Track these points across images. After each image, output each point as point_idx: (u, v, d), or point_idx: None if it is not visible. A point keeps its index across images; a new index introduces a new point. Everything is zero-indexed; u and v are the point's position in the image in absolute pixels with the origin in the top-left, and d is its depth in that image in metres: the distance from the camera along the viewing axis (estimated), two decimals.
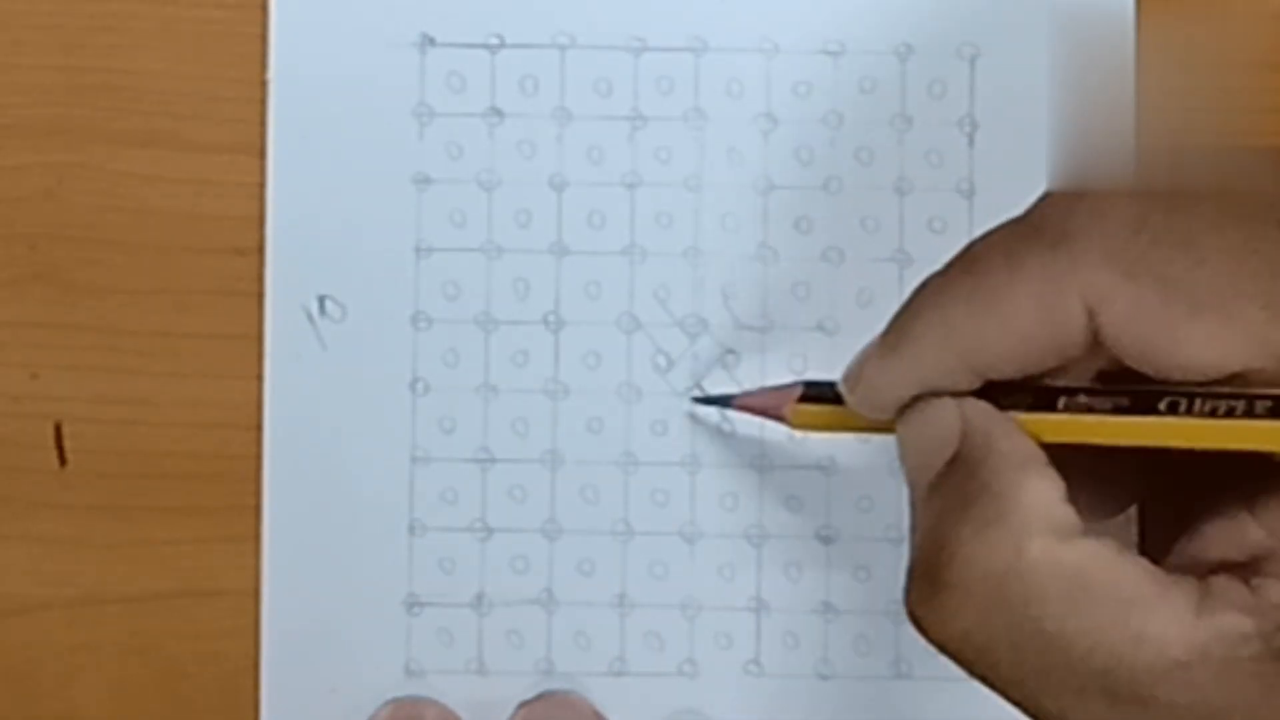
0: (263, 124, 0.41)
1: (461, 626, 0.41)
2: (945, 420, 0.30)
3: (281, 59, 0.41)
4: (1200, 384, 0.28)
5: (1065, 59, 0.40)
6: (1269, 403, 0.28)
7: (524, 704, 0.41)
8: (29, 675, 0.41)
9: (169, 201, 0.41)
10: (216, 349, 0.41)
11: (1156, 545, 0.31)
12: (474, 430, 0.41)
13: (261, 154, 0.41)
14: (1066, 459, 0.30)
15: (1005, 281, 0.29)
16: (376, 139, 0.41)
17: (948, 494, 0.30)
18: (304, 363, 0.41)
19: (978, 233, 0.31)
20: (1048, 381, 0.30)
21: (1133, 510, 0.34)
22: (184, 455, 0.41)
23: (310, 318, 0.41)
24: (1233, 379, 0.28)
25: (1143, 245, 0.28)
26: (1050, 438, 0.30)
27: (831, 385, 0.33)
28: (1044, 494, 0.29)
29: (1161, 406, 0.29)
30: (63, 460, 0.41)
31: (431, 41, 0.41)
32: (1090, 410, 0.30)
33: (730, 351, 0.41)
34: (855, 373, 0.32)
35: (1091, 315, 0.29)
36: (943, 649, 0.30)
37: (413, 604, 0.41)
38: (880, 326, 0.32)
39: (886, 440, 0.32)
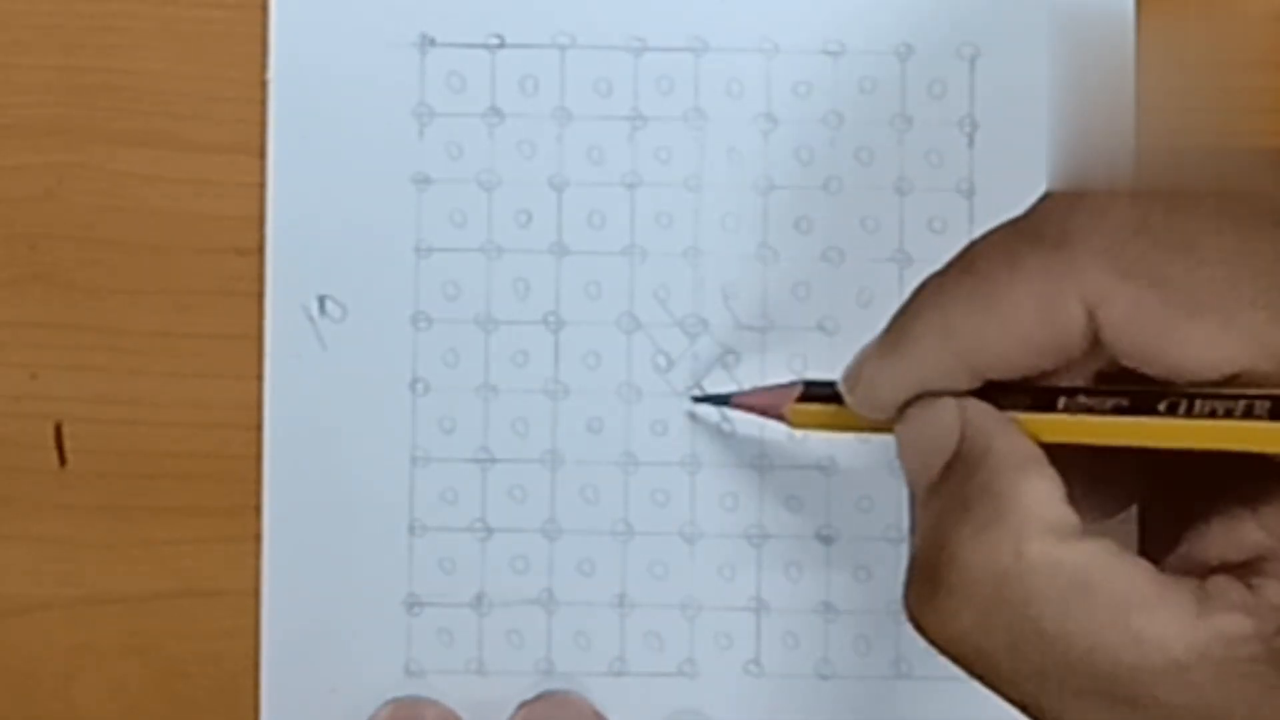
0: (263, 124, 0.41)
1: (461, 626, 0.41)
2: (944, 420, 0.31)
3: (281, 59, 0.41)
4: (1199, 385, 0.28)
5: (1065, 59, 0.40)
6: (1268, 404, 0.28)
7: (524, 704, 0.41)
8: (29, 675, 0.41)
9: (169, 201, 0.41)
10: (216, 349, 0.41)
11: (1157, 545, 0.31)
12: (474, 430, 0.41)
13: (261, 154, 0.41)
14: (1066, 459, 0.30)
15: (1005, 282, 0.29)
16: (376, 139, 0.41)
17: (947, 495, 0.30)
18: (304, 363, 0.41)
19: (978, 233, 0.31)
20: (1047, 382, 0.30)
21: (1133, 510, 0.34)
22: (184, 455, 0.41)
23: (310, 318, 0.41)
24: (1232, 380, 0.28)
25: (1142, 246, 0.28)
26: (1049, 438, 0.30)
27: (831, 385, 0.33)
28: (1043, 495, 0.29)
29: (1160, 407, 0.29)
30: (63, 460, 0.41)
31: (431, 41, 0.41)
32: (1089, 411, 0.30)
33: (730, 351, 0.41)
34: (854, 373, 0.32)
35: (1091, 316, 0.29)
36: (942, 650, 0.30)
37: (413, 604, 0.41)
38: (880, 326, 0.32)
39: (886, 440, 0.32)
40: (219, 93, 0.41)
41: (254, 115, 0.41)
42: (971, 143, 0.41)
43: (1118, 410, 0.29)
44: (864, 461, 0.40)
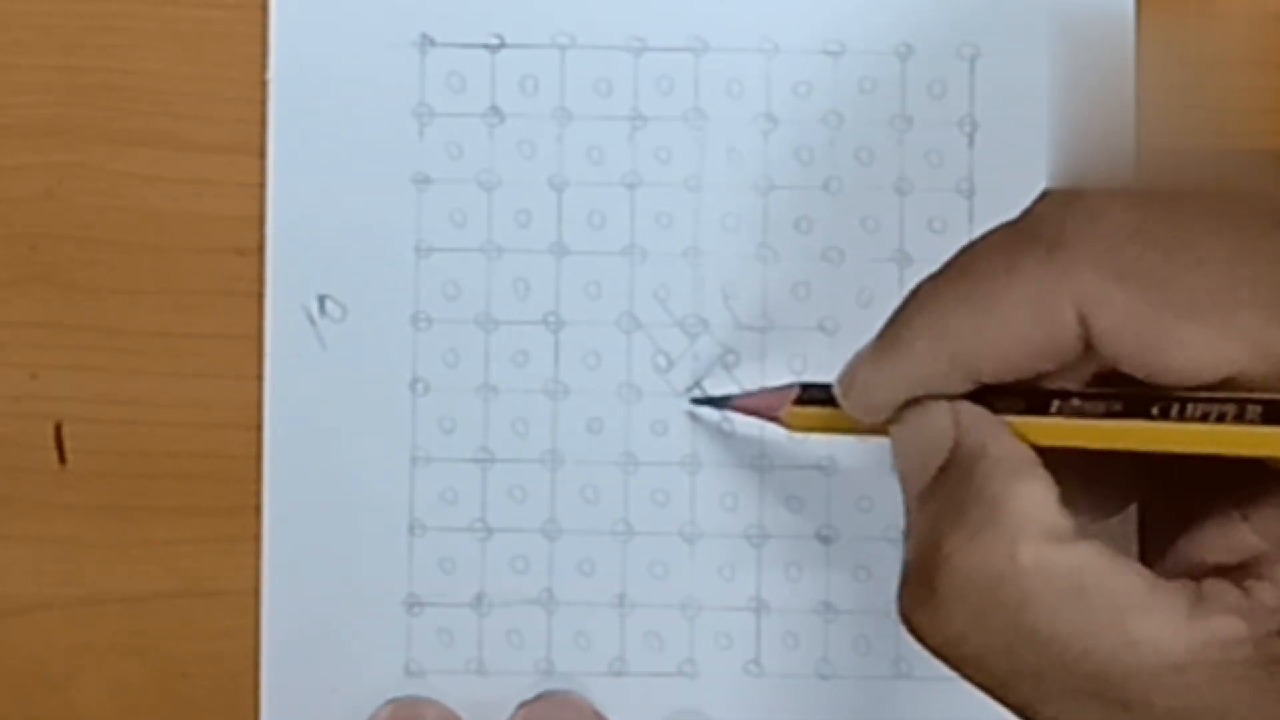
0: (263, 124, 0.41)
1: (461, 626, 0.41)
2: (938, 424, 0.31)
3: (281, 59, 0.41)
4: (1194, 388, 0.29)
5: (1065, 59, 0.41)
6: (1260, 408, 0.28)
7: (524, 704, 0.41)
8: (29, 675, 0.41)
9: (169, 201, 0.41)
10: (216, 349, 0.41)
11: (1156, 546, 0.31)
12: (474, 430, 0.41)
13: (261, 154, 0.41)
14: (1063, 460, 0.30)
15: (999, 286, 0.29)
16: (376, 139, 0.41)
17: (941, 498, 0.30)
18: (304, 363, 0.41)
19: (978, 233, 0.31)
20: (1042, 385, 0.30)
21: (1132, 511, 0.34)
22: (184, 455, 0.41)
23: (310, 318, 0.41)
24: (1226, 383, 0.28)
25: (1136, 250, 0.28)
26: (1043, 441, 0.30)
27: (828, 388, 0.34)
28: (1037, 498, 0.29)
29: (1154, 411, 0.29)
30: (63, 460, 0.41)
31: (431, 41, 0.41)
32: (1083, 414, 0.30)
33: (730, 351, 0.41)
34: (849, 376, 0.33)
35: (1085, 320, 0.29)
36: (937, 653, 0.30)
37: (413, 604, 0.41)
38: (880, 327, 0.32)
39: (887, 441, 0.33)
40: (219, 93, 0.41)
41: (254, 115, 0.41)
42: (971, 143, 0.41)
43: (1111, 414, 0.30)
44: (864, 461, 0.41)
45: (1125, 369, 0.29)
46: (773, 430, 0.39)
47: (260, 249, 0.41)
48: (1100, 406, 0.30)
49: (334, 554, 0.41)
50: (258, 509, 0.41)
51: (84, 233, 0.41)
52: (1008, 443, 0.30)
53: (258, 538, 0.41)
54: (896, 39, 0.41)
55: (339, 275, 0.41)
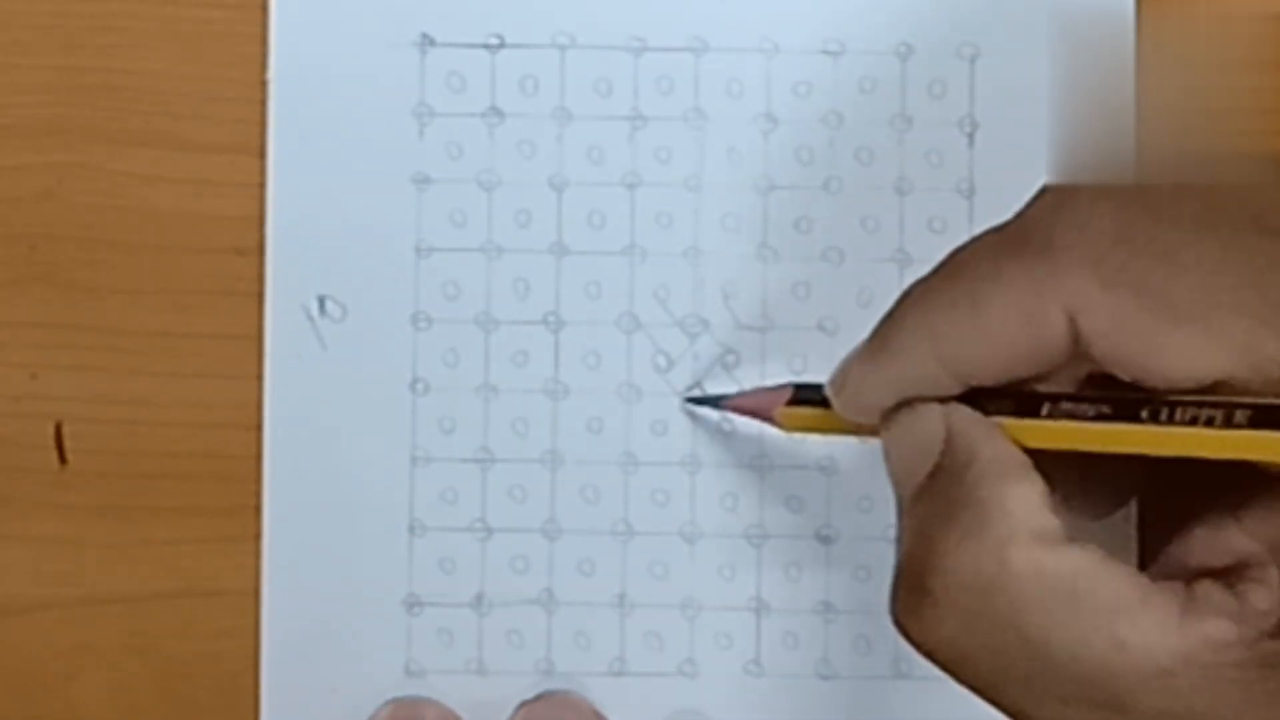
0: (263, 124, 0.41)
1: (461, 626, 0.41)
2: (929, 426, 0.31)
3: (281, 59, 0.41)
4: (1181, 392, 0.29)
5: (1065, 59, 0.41)
6: (1248, 412, 0.28)
7: (524, 704, 0.41)
8: (29, 675, 0.42)
9: (169, 201, 0.42)
10: (216, 349, 0.42)
11: (1154, 546, 0.31)
12: (474, 430, 0.41)
13: (261, 154, 0.41)
14: (1057, 460, 0.31)
15: (988, 290, 0.30)
16: (376, 139, 0.41)
17: (932, 500, 0.30)
18: (304, 363, 0.41)
19: (978, 233, 0.31)
20: (1033, 387, 0.31)
21: (1132, 512, 0.34)
22: (184, 455, 0.42)
23: (310, 318, 0.41)
24: (1214, 387, 0.29)
25: (1124, 255, 0.29)
26: (1034, 443, 0.31)
27: (821, 388, 0.34)
28: (1027, 501, 0.29)
29: (1143, 414, 0.29)
30: (63, 460, 0.42)
31: (431, 41, 0.42)
32: (1073, 417, 0.30)
33: (730, 351, 0.41)
34: (841, 377, 0.33)
35: (1073, 324, 0.29)
36: (929, 656, 0.30)
37: (413, 604, 0.41)
38: (872, 328, 0.32)
39: None
40: (219, 93, 0.42)
41: (254, 115, 0.41)
42: (971, 143, 0.41)
43: (1100, 417, 0.30)
44: (864, 461, 0.41)
45: (1113, 372, 0.29)
46: (773, 430, 0.39)
47: (260, 249, 0.41)
48: (1090, 409, 0.30)
49: (334, 554, 0.41)
50: (258, 509, 0.41)
51: (84, 233, 0.42)
52: (999, 445, 0.30)
53: (258, 538, 0.41)
54: (896, 39, 0.41)
55: (339, 275, 0.41)
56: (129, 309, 0.42)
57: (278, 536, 0.41)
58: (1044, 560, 0.29)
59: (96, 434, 0.42)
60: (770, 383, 0.39)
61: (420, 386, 0.41)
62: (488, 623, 0.41)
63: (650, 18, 0.41)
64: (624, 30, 0.42)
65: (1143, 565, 0.31)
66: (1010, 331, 0.30)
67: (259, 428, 0.41)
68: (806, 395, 0.36)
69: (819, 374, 0.35)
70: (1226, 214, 0.29)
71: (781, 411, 0.37)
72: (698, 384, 0.41)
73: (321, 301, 0.41)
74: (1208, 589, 0.29)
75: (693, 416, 0.41)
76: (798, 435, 0.39)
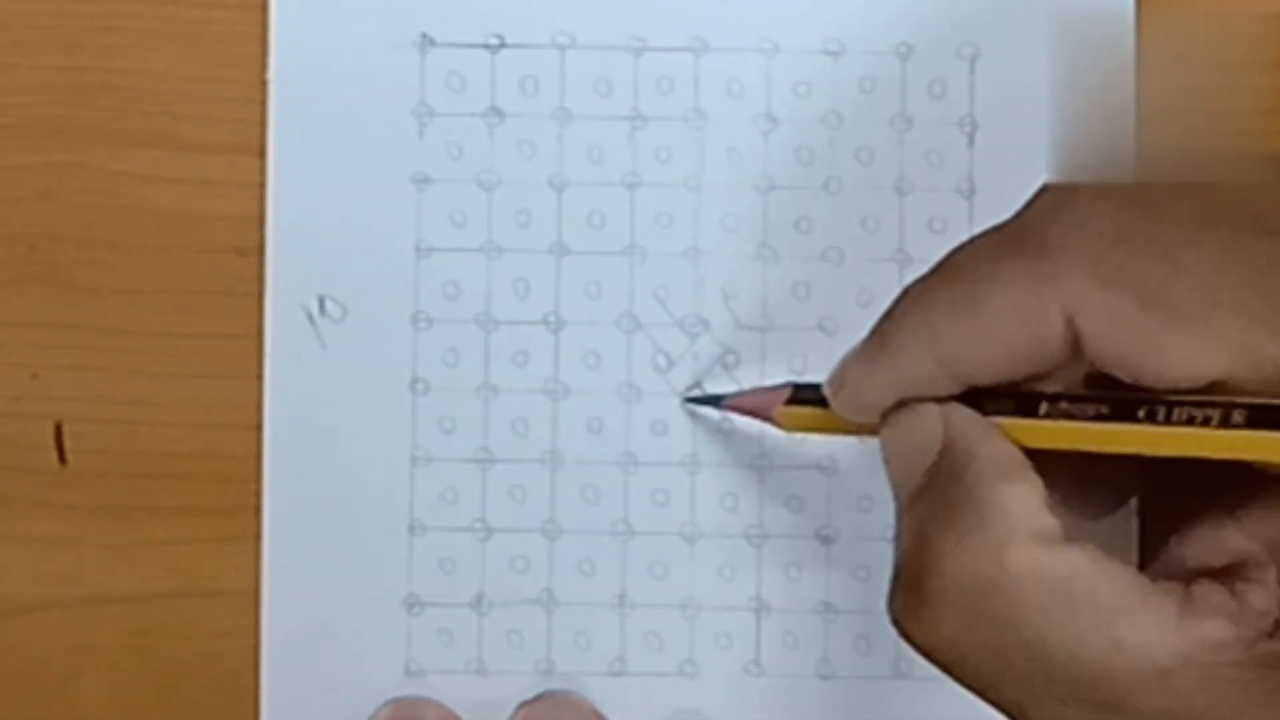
0: (263, 124, 0.42)
1: (461, 626, 0.41)
2: (927, 426, 0.31)
3: (281, 59, 0.42)
4: (1179, 392, 0.29)
5: (1065, 59, 0.41)
6: (1245, 412, 0.28)
7: (524, 704, 0.41)
8: (29, 675, 0.42)
9: (169, 201, 0.42)
10: (216, 349, 0.42)
11: (1152, 547, 0.32)
12: (474, 430, 0.42)
13: (261, 154, 0.42)
14: (1057, 460, 0.31)
15: (987, 289, 0.30)
16: (376, 139, 0.42)
17: (930, 500, 0.31)
18: (304, 363, 0.41)
19: (976, 233, 0.31)
20: (1032, 387, 0.31)
21: (1132, 512, 0.34)
22: (184, 455, 0.42)
23: (310, 318, 0.41)
24: (1212, 387, 0.29)
25: (1122, 255, 0.29)
26: (1032, 443, 0.31)
27: (819, 387, 0.34)
28: (1026, 501, 0.30)
29: (1140, 414, 0.29)
30: (63, 460, 0.42)
31: (431, 41, 0.42)
32: (1071, 416, 0.30)
33: (730, 351, 0.41)
34: (839, 376, 0.33)
35: (1071, 325, 0.29)
36: (927, 656, 0.30)
37: (413, 604, 0.41)
38: (870, 328, 0.32)
39: None
40: (219, 93, 0.42)
41: (254, 115, 0.42)
42: (971, 143, 0.41)
43: (1098, 417, 0.30)
44: (864, 461, 0.41)
45: (1111, 372, 0.29)
46: (773, 430, 0.39)
47: (260, 249, 0.41)
48: (1088, 409, 0.30)
49: (334, 554, 0.41)
50: (258, 509, 0.41)
51: (84, 233, 0.42)
52: (997, 444, 0.30)
53: (258, 538, 0.41)
54: (896, 39, 0.41)
55: (339, 275, 0.41)
56: (129, 309, 0.42)
57: (278, 536, 0.41)
58: (1042, 560, 0.29)
59: (96, 434, 0.42)
60: (769, 382, 0.39)
61: (420, 386, 0.42)
62: (488, 623, 0.42)
63: (650, 18, 0.42)
64: (624, 30, 0.42)
65: (1143, 565, 0.32)
66: (1008, 331, 0.30)
67: (259, 428, 0.41)
68: (805, 395, 0.37)
69: (819, 374, 0.35)
70: (1226, 214, 0.29)
71: (780, 411, 0.38)
72: (698, 384, 0.42)
73: (321, 301, 0.41)
74: (1206, 589, 0.29)
75: (693, 416, 0.41)
76: (797, 435, 0.39)
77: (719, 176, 0.42)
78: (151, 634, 0.42)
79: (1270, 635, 0.28)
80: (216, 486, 0.42)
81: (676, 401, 0.41)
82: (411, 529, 0.41)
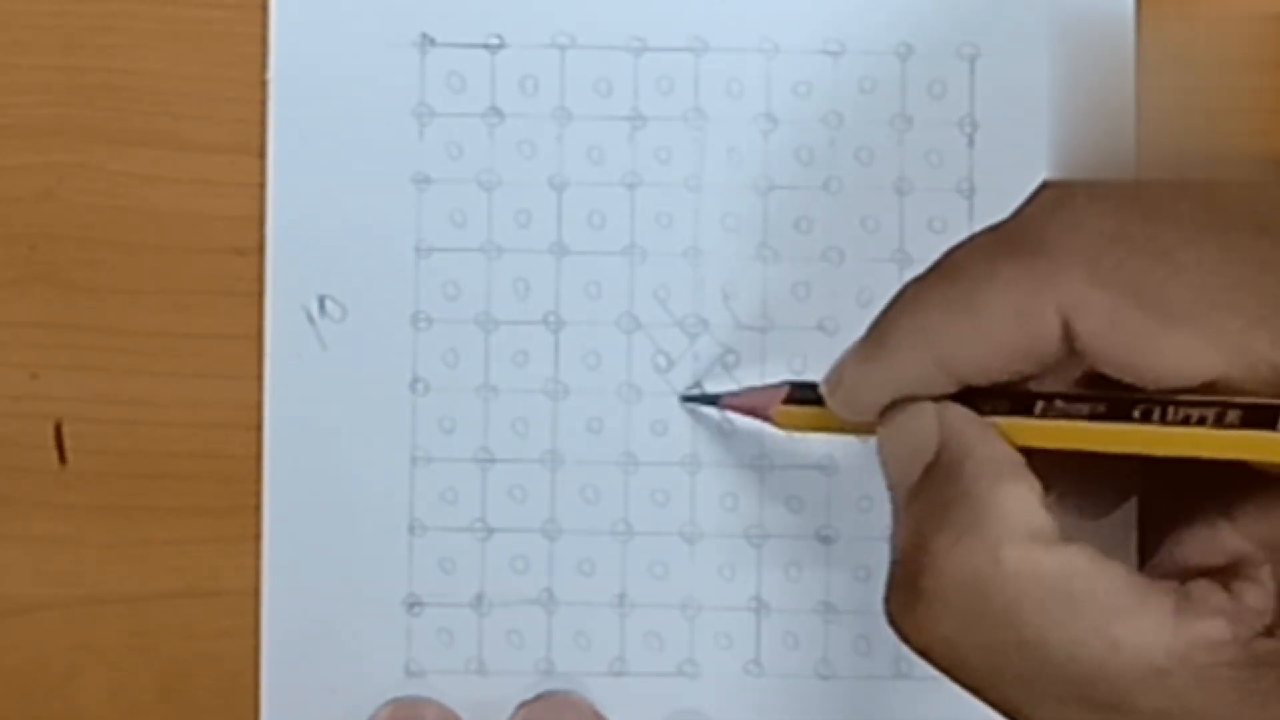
0: (263, 124, 0.42)
1: (461, 626, 0.42)
2: (923, 425, 0.31)
3: (281, 59, 0.42)
4: (1175, 392, 0.29)
5: (1065, 59, 0.41)
6: (1239, 412, 0.28)
7: (524, 704, 0.41)
8: (29, 675, 0.42)
9: (169, 201, 0.42)
10: (216, 349, 0.42)
11: (1150, 547, 0.32)
12: (474, 430, 0.42)
13: (261, 154, 0.42)
14: (1055, 459, 0.31)
15: (983, 289, 0.30)
16: (376, 139, 0.42)
17: (927, 499, 0.31)
18: (304, 363, 0.42)
19: (974, 232, 0.32)
20: (1028, 386, 0.31)
21: (1132, 512, 0.34)
22: (184, 455, 0.42)
23: (310, 318, 0.42)
24: (1207, 387, 0.29)
25: (1118, 256, 0.29)
26: (1028, 443, 0.31)
27: (816, 386, 0.34)
28: (1022, 500, 0.30)
29: (1136, 414, 0.30)
30: (63, 460, 0.42)
31: (431, 41, 0.42)
32: (1067, 416, 0.30)
33: (730, 351, 0.42)
34: (836, 375, 0.33)
35: (1067, 324, 0.29)
36: (924, 655, 0.30)
37: (413, 604, 0.42)
38: (867, 327, 0.32)
39: None
40: (219, 93, 0.42)
41: (254, 115, 0.42)
42: (971, 143, 0.42)
43: (1094, 416, 0.30)
44: (864, 461, 0.41)
45: (1108, 372, 0.30)
46: (773, 430, 0.39)
47: (260, 249, 0.42)
48: (1084, 408, 0.30)
49: (334, 554, 0.41)
50: (258, 509, 0.42)
51: (84, 233, 0.42)
52: (993, 444, 0.31)
53: (258, 538, 0.41)
54: (896, 39, 0.42)
55: (339, 275, 0.42)
56: (129, 309, 0.42)
57: (278, 536, 0.41)
58: (1039, 559, 0.29)
59: (96, 434, 0.42)
60: (768, 382, 0.40)
61: (420, 386, 0.42)
62: (488, 623, 0.42)
63: (650, 18, 0.42)
64: (624, 30, 0.42)
65: (1142, 565, 0.32)
66: (1005, 331, 0.30)
67: (259, 428, 0.42)
68: (803, 394, 0.37)
69: (818, 374, 0.35)
70: (1224, 214, 0.29)
71: (778, 410, 0.38)
72: (698, 384, 0.42)
73: (321, 301, 0.42)
74: (1203, 588, 0.29)
75: (693, 416, 0.42)
76: (796, 434, 0.39)
77: (719, 176, 0.42)
78: (151, 634, 0.42)
79: (1266, 634, 0.28)
80: (216, 486, 0.42)
81: (677, 401, 0.42)
82: (411, 529, 0.42)
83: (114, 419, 0.42)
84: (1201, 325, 0.28)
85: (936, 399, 0.31)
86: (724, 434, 0.42)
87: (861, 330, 0.33)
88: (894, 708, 0.41)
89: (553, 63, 0.42)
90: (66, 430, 0.42)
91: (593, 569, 0.42)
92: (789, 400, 0.38)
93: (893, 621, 0.31)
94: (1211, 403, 0.29)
